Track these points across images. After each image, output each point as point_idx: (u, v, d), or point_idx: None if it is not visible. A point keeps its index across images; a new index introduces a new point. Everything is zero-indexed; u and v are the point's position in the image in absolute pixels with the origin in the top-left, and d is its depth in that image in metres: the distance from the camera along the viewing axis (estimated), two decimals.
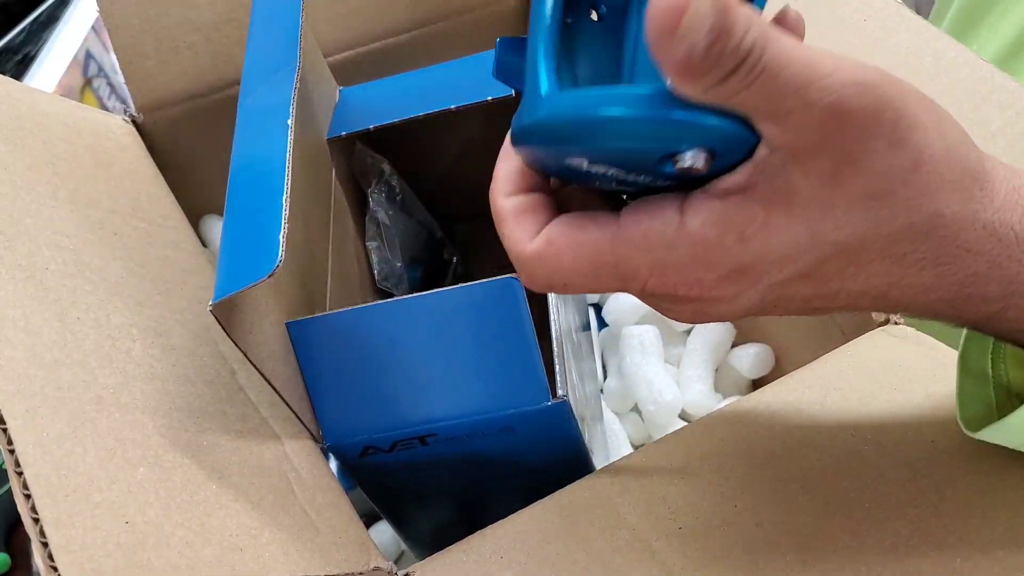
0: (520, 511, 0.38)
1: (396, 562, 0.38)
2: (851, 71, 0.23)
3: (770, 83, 0.23)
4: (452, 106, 0.47)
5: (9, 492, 0.55)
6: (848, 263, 0.27)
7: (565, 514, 0.37)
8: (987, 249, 0.28)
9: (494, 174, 0.30)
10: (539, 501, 0.38)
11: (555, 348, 0.40)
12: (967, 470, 0.36)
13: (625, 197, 0.29)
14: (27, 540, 0.54)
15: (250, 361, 0.36)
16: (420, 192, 0.58)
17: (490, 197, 0.29)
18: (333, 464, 0.45)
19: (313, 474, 0.40)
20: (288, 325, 0.39)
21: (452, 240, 0.61)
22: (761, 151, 0.25)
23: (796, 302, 0.29)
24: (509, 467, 0.42)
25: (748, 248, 0.26)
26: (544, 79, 0.26)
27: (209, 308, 0.34)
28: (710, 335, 0.58)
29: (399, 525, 0.48)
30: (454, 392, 0.39)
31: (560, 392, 0.39)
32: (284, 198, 0.36)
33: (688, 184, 0.26)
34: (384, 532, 0.52)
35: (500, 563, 0.35)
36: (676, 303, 0.29)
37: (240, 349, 0.36)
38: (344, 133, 0.50)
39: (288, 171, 0.37)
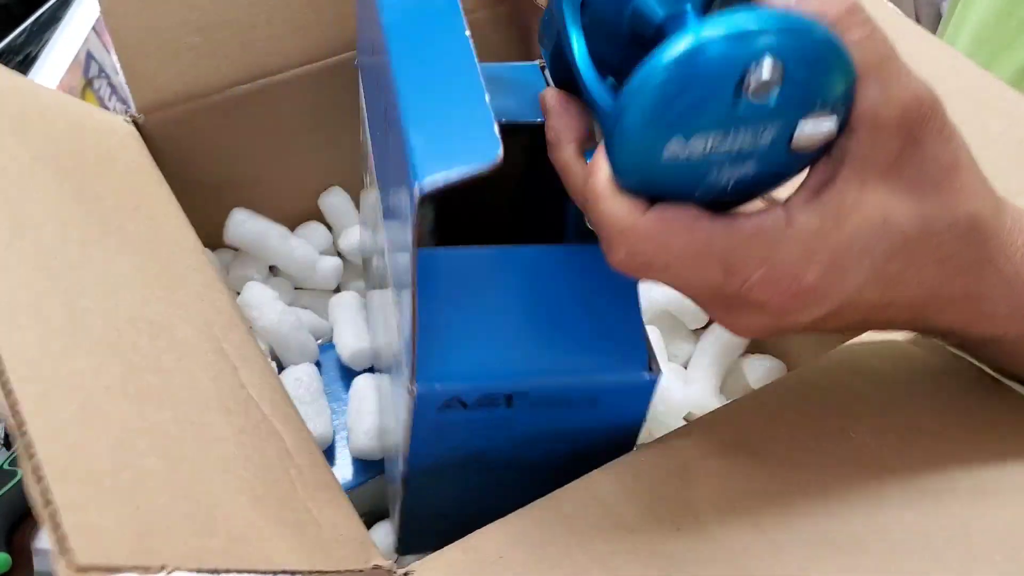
0: (519, 511, 0.38)
1: (395, 560, 0.38)
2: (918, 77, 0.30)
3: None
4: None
5: (10, 492, 0.55)
6: (906, 264, 0.30)
7: (565, 513, 0.37)
8: (1004, 265, 0.32)
9: (584, 161, 0.31)
10: (538, 501, 0.38)
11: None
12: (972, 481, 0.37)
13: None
14: (27, 539, 0.53)
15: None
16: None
17: (585, 178, 0.31)
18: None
19: (314, 472, 0.40)
20: (420, 252, 0.36)
21: None
22: (840, 141, 0.29)
23: (860, 311, 0.31)
24: (563, 456, 0.41)
25: (843, 231, 0.29)
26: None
27: (418, 191, 0.29)
28: (723, 335, 0.58)
29: (408, 516, 0.47)
30: (553, 350, 0.38)
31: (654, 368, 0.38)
32: (478, 73, 0.32)
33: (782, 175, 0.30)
34: (385, 531, 0.52)
35: (500, 563, 0.35)
36: (757, 311, 0.30)
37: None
38: None
39: (470, 38, 0.33)
